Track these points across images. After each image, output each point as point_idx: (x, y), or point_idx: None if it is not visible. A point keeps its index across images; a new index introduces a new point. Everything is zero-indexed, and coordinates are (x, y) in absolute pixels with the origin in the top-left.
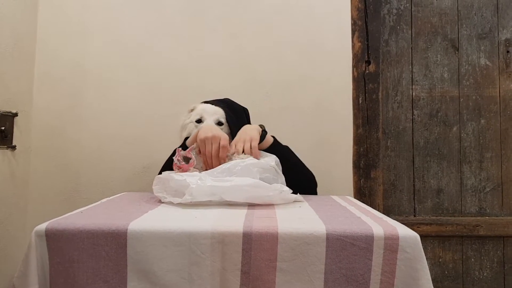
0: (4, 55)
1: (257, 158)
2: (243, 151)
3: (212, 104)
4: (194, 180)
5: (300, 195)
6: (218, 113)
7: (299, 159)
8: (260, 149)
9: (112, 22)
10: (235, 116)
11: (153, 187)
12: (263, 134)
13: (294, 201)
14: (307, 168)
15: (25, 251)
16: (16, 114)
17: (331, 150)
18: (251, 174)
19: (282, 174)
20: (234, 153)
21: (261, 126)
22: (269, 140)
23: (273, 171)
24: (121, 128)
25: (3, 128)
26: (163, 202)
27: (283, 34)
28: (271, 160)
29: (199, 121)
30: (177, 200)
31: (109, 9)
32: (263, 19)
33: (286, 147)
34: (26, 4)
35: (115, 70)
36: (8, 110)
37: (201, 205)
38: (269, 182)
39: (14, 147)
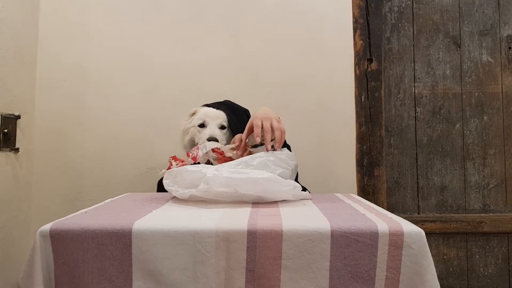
0: (6, 58)
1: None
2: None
3: (214, 108)
4: (210, 171)
5: (309, 193)
6: (221, 117)
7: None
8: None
9: (113, 24)
10: (237, 118)
11: (163, 181)
12: None
13: (301, 199)
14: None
15: (29, 251)
16: (18, 117)
17: (334, 149)
18: (267, 169)
19: (295, 171)
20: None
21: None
22: None
23: (290, 169)
24: (124, 130)
25: (5, 130)
26: (167, 202)
27: (284, 33)
28: (288, 157)
29: (201, 125)
30: (191, 191)
31: (110, 11)
32: (263, 18)
33: (288, 146)
34: (27, 8)
35: (116, 72)
36: (10, 112)
37: (206, 203)
38: (285, 178)
39: (17, 150)
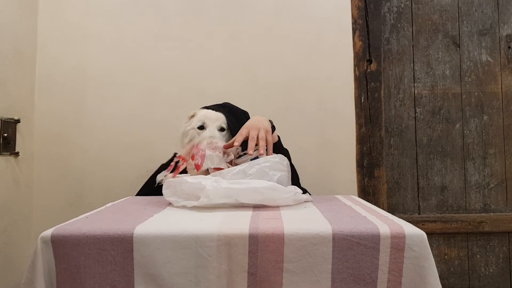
0: (5, 62)
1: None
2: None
3: (213, 110)
4: (210, 183)
5: (310, 196)
6: (220, 119)
7: (294, 168)
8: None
9: (112, 26)
10: (236, 121)
11: (163, 191)
12: (272, 128)
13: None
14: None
15: (31, 257)
16: (18, 121)
17: (334, 150)
18: (266, 176)
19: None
20: (240, 153)
21: (270, 121)
22: (275, 137)
23: (286, 170)
24: (123, 132)
25: (5, 134)
26: (168, 206)
27: (284, 35)
28: (281, 159)
29: (201, 127)
30: (192, 203)
31: (109, 13)
32: (263, 20)
33: (286, 151)
34: (26, 10)
35: (115, 74)
36: (10, 116)
37: (207, 207)
38: (284, 181)
39: (17, 154)
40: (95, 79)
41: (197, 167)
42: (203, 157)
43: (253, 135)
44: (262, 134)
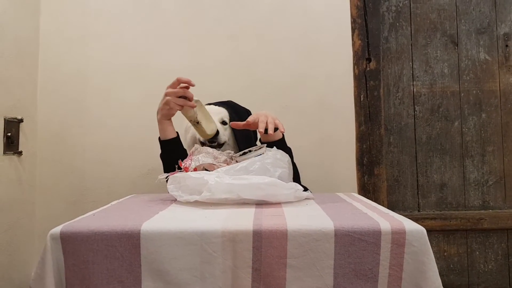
0: (8, 62)
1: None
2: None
3: (216, 105)
4: (212, 178)
5: (311, 193)
6: (222, 112)
7: (296, 167)
8: (269, 141)
9: (113, 27)
10: (238, 117)
11: (167, 186)
12: None
13: (304, 199)
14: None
15: (40, 254)
16: (21, 120)
17: (334, 148)
18: (268, 173)
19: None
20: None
21: None
22: (279, 134)
23: (287, 167)
24: (125, 132)
25: (9, 134)
26: (173, 203)
27: (283, 34)
28: (282, 155)
29: None
30: (195, 197)
31: (110, 14)
32: (262, 19)
33: (289, 149)
34: (28, 12)
35: (117, 74)
36: (13, 116)
37: (211, 204)
38: (285, 177)
39: (20, 153)
40: (97, 79)
41: (186, 169)
42: (190, 159)
43: (262, 119)
44: (270, 119)
